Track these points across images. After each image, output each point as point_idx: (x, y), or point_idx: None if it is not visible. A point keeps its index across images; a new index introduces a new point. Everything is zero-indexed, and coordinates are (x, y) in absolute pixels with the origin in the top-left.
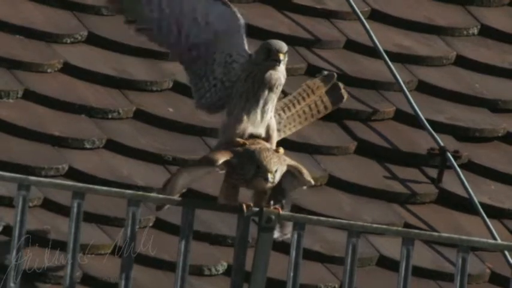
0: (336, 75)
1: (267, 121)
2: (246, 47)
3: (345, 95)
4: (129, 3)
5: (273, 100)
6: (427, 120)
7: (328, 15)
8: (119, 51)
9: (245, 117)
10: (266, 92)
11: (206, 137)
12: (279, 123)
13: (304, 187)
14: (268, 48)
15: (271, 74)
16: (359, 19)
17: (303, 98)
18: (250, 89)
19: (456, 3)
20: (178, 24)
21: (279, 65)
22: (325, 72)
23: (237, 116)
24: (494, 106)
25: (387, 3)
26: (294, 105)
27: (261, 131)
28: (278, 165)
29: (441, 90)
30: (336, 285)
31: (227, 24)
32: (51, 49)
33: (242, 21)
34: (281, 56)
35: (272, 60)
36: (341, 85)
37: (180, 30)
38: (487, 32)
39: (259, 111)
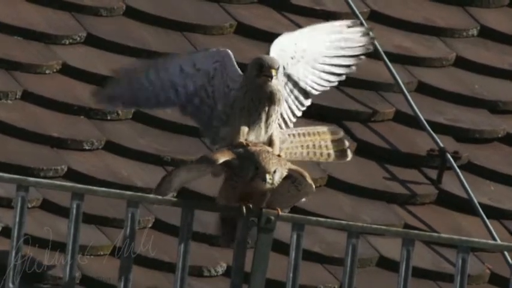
0: (342, 131)
1: (270, 133)
2: (239, 70)
3: (350, 155)
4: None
5: (276, 112)
6: (427, 121)
7: (328, 16)
8: (117, 52)
9: (247, 129)
10: (267, 107)
11: (205, 138)
12: (282, 142)
13: (304, 199)
14: (260, 63)
15: (270, 89)
16: (358, 20)
17: (308, 134)
18: (252, 105)
19: (456, 4)
20: (173, 85)
21: (270, 81)
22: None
23: (239, 126)
24: (493, 107)
25: (387, 4)
26: (299, 135)
27: (264, 141)
28: (277, 166)
29: (441, 91)
30: (336, 286)
31: (216, 62)
32: (49, 50)
33: (227, 51)
34: (273, 72)
35: (264, 75)
36: (347, 142)
37: (177, 89)
38: (487, 33)
39: (263, 125)
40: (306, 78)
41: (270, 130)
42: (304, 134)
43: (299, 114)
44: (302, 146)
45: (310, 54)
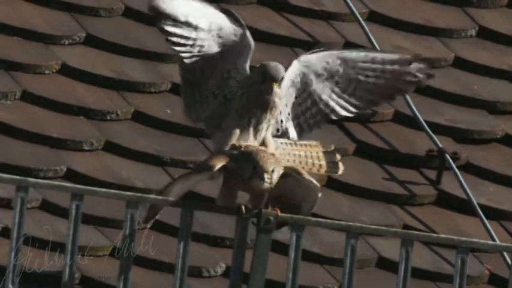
0: (333, 146)
1: (260, 139)
2: (247, 67)
3: (341, 168)
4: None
5: (267, 120)
6: (426, 121)
7: (327, 16)
8: (117, 52)
9: (238, 133)
10: (259, 113)
11: (204, 139)
12: (276, 148)
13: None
14: (264, 73)
15: (266, 96)
16: (357, 21)
17: (300, 145)
18: (244, 107)
19: (454, 5)
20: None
21: (270, 93)
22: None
23: (230, 131)
24: (492, 108)
25: (385, 4)
26: (291, 144)
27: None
28: (275, 165)
29: (440, 92)
30: (335, 287)
31: (236, 43)
32: (49, 50)
33: (252, 43)
34: (274, 85)
35: (265, 86)
36: (338, 156)
37: (196, 39)
38: (485, 34)
39: (251, 129)
40: (329, 100)
41: (259, 136)
42: (295, 144)
43: (302, 136)
44: (294, 154)
45: (345, 77)
